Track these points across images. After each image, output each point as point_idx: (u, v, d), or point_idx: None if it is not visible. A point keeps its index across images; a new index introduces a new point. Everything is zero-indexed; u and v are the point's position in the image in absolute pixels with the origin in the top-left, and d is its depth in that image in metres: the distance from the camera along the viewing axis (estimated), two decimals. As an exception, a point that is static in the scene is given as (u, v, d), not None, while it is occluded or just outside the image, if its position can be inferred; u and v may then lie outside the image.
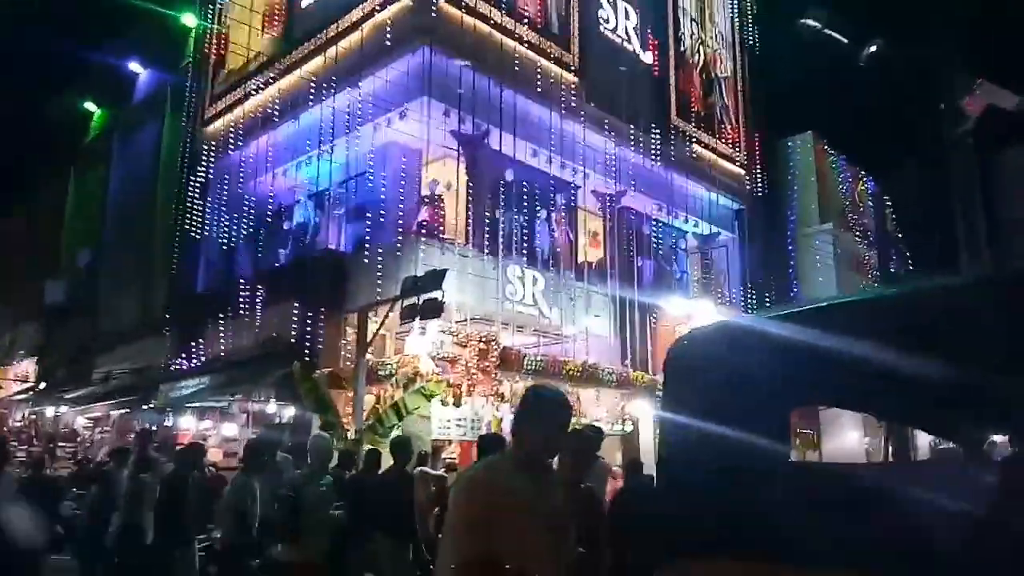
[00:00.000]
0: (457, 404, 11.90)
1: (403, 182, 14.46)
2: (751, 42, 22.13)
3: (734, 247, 21.26)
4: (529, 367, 12.76)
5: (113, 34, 25.26)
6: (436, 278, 10.04)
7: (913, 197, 23.27)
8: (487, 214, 14.97)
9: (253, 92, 16.60)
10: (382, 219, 14.05)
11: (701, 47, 20.05)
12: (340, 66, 14.72)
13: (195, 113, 18.99)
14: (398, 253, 12.54)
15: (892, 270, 19.14)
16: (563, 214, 16.78)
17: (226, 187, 17.85)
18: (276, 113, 16.09)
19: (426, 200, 14.11)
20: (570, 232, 16.87)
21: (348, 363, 12.47)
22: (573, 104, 15.87)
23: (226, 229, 17.88)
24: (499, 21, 14.52)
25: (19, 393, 23.93)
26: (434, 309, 10.03)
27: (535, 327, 14.62)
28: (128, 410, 17.16)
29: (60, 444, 20.17)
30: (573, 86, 16.13)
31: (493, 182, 15.31)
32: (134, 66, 23.96)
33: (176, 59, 21.64)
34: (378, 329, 11.17)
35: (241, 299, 15.55)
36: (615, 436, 15.68)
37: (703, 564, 2.42)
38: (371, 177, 14.95)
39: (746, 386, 2.43)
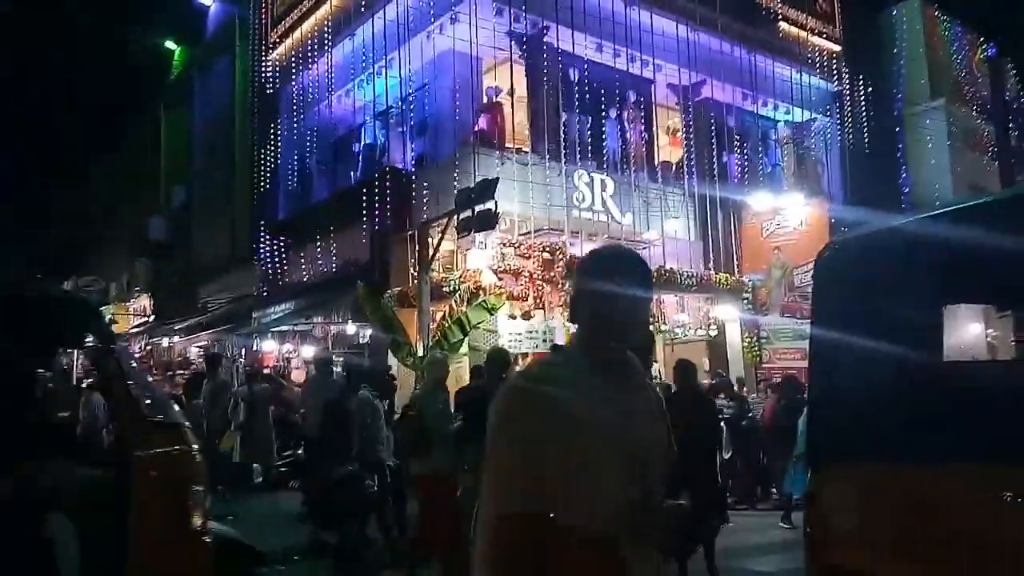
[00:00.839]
0: (526, 317, 11.63)
1: (462, 92, 13.88)
2: None
3: (833, 133, 19.51)
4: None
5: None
6: (487, 188, 9.60)
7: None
8: (551, 118, 14.24)
9: (308, 11, 16.20)
10: (441, 132, 13.62)
11: (785, -91, 17.94)
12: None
13: (259, 40, 18.88)
14: (456, 166, 12.10)
15: (1013, 144, 17.08)
16: (636, 112, 15.74)
17: (297, 113, 17.82)
18: (332, 31, 15.72)
19: (484, 108, 13.49)
20: (644, 131, 15.86)
21: (416, 282, 12.35)
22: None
23: (300, 156, 17.96)
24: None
25: (137, 327, 25.61)
26: (487, 220, 9.63)
27: (607, 234, 13.98)
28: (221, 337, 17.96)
29: (176, 372, 21.50)
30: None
31: (557, 83, 14.47)
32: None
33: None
34: (438, 245, 10.90)
35: (317, 224, 15.68)
36: (700, 341, 15.11)
37: (864, 467, 2.47)
38: (430, 90, 14.48)
39: (897, 289, 2.46)
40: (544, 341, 12.44)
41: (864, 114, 19.53)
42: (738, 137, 17.57)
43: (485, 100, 13.75)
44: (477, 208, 9.80)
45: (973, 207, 2.74)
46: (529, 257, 11.33)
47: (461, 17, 13.34)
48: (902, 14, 21.12)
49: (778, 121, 18.87)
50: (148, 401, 3.86)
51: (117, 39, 31.38)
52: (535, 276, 11.26)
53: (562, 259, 11.66)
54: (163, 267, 25.79)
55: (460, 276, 11.02)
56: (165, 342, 22.75)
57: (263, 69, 18.57)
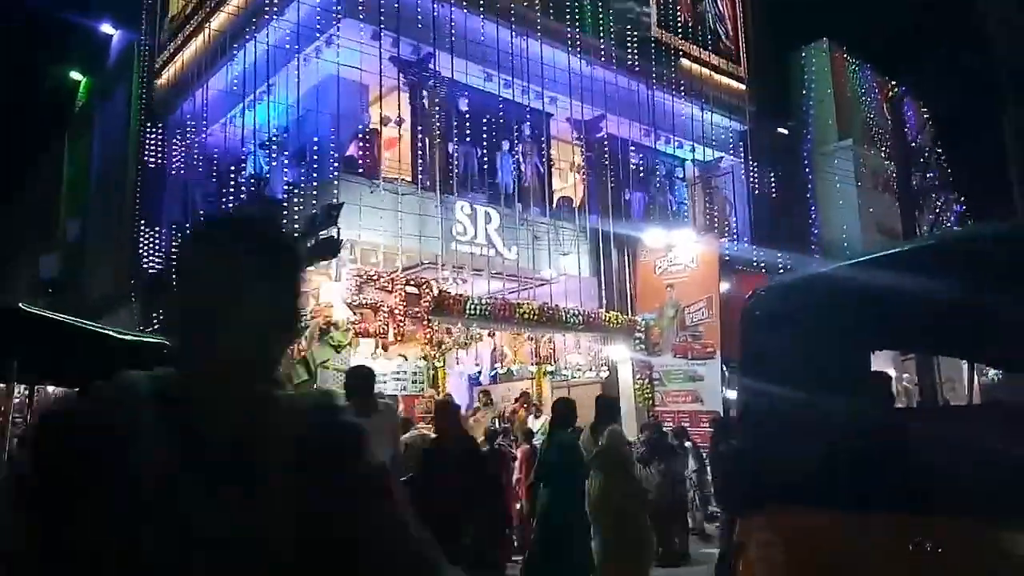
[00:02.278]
0: (385, 350, 10.74)
1: (345, 119, 13.18)
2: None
3: (740, 172, 19.34)
4: (472, 311, 11.48)
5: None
6: (329, 214, 8.80)
7: (953, 101, 20.91)
8: (436, 148, 13.62)
9: (190, 36, 15.44)
10: (319, 160, 12.85)
11: (688, -51, 17.96)
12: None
13: (146, 68, 18.03)
14: (314, 195, 11.32)
15: (916, 185, 17.00)
16: (531, 145, 15.22)
17: (183, 143, 16.92)
18: (211, 58, 14.96)
19: (359, 135, 12.79)
20: (540, 164, 15.34)
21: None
22: (529, 18, 14.23)
23: (185, 188, 17.02)
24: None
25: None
26: (329, 248, 8.83)
27: (495, 269, 13.29)
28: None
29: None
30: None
31: (443, 112, 13.91)
32: (106, 28, 23.15)
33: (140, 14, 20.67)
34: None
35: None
36: (593, 384, 14.39)
37: (790, 513, 2.53)
38: (312, 117, 13.73)
39: (823, 335, 2.56)
40: (414, 383, 11.58)
41: (772, 154, 19.43)
42: (642, 174, 17.23)
43: (364, 127, 13.03)
44: (321, 235, 8.99)
45: (894, 255, 2.83)
46: (391, 291, 10.51)
47: (337, 40, 12.70)
48: (810, 55, 21.31)
49: (685, 160, 18.62)
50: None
51: (23, 70, 30.12)
52: (396, 311, 10.43)
53: (429, 293, 10.86)
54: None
55: (311, 312, 10.13)
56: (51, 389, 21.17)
57: (150, 98, 17.67)
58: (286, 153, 14.05)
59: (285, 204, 12.53)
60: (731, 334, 14.29)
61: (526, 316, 12.22)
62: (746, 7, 19.24)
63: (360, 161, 12.27)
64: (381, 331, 10.26)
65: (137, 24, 19.73)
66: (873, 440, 2.46)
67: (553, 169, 16.40)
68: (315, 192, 11.41)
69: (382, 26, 12.36)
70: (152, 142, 17.70)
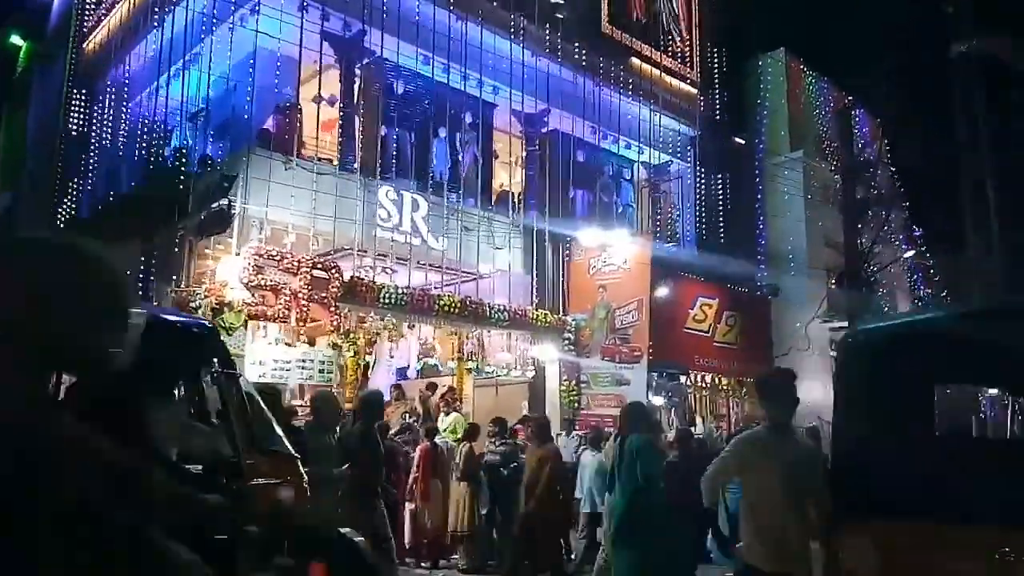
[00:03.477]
0: (290, 341, 10.20)
1: (270, 94, 12.59)
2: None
3: (689, 177, 19.05)
4: (387, 300, 10.96)
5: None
6: (221, 185, 8.23)
7: (904, 110, 20.89)
8: (365, 130, 13.10)
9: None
10: (237, 135, 12.21)
11: (644, -54, 17.64)
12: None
13: (76, 33, 17.21)
14: (221, 169, 10.67)
15: (859, 197, 16.89)
16: (469, 134, 14.74)
17: (110, 113, 16.15)
18: (137, 23, 14.25)
19: (278, 110, 12.20)
20: (478, 154, 14.86)
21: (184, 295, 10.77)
22: (472, 2, 13.76)
23: (110, 159, 16.23)
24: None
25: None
26: (219, 221, 8.26)
27: (422, 259, 12.79)
28: None
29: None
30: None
31: (378, 94, 13.38)
32: (46, -10, 22.23)
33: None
34: (184, 252, 9.41)
35: (102, 232, 13.90)
36: (521, 383, 13.96)
37: (887, 526, 2.96)
38: (238, 90, 13.08)
39: (919, 372, 3.18)
40: (321, 372, 11.01)
41: (722, 161, 19.17)
42: (587, 173, 16.83)
43: (284, 102, 12.44)
44: (212, 208, 8.40)
45: (984, 312, 3.67)
46: (296, 272, 9.94)
47: (263, 10, 12.09)
48: (766, 64, 21.13)
49: (633, 161, 18.27)
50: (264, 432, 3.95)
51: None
52: (300, 294, 9.86)
53: (337, 278, 10.31)
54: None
55: (205, 291, 9.52)
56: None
57: (77, 64, 16.87)
58: (209, 127, 13.37)
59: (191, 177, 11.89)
60: (662, 338, 13.99)
61: (447, 309, 11.74)
62: (702, 10, 18.96)
63: (275, 136, 11.65)
64: (281, 315, 9.68)
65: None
66: (960, 462, 2.90)
67: (495, 161, 15.96)
68: (221, 167, 10.76)
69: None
70: (78, 111, 16.90)
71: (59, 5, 22.02)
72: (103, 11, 15.87)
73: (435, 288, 12.77)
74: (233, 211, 8.46)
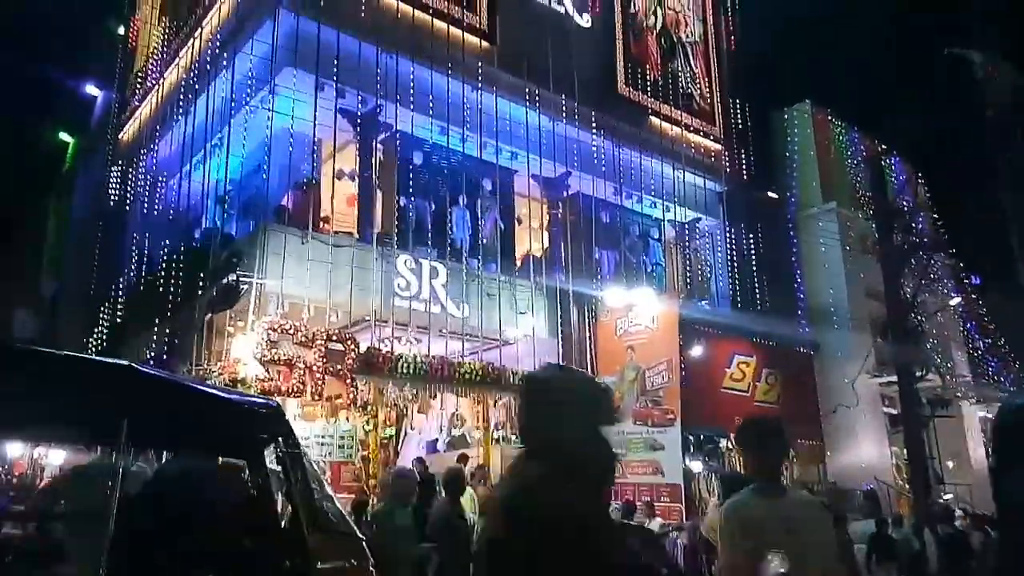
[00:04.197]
0: (309, 417, 9.99)
1: (293, 172, 12.77)
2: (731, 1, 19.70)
3: (720, 234, 18.70)
4: (405, 370, 10.73)
5: (75, 59, 24.91)
6: (229, 261, 8.22)
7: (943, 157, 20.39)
8: (385, 202, 13.20)
9: (148, 91, 15.30)
10: (260, 213, 12.38)
11: (658, 8, 17.80)
12: (212, 48, 13.23)
13: (114, 125, 17.94)
14: (235, 247, 10.75)
15: (897, 245, 16.23)
16: (491, 200, 14.72)
17: (142, 199, 16.62)
18: (166, 111, 14.76)
19: (297, 187, 12.34)
20: (500, 220, 14.80)
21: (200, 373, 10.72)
22: (485, 73, 13.92)
23: (143, 244, 16.60)
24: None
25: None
26: (226, 297, 8.20)
27: (444, 327, 12.58)
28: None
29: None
30: (484, 52, 14.19)
31: (400, 166, 13.51)
32: (91, 89, 23.40)
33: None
34: (201, 331, 9.38)
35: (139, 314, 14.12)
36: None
37: None
38: (262, 170, 13.35)
39: None
40: (341, 448, 10.76)
41: (753, 216, 18.79)
42: (613, 233, 16.63)
43: (302, 178, 12.59)
44: (221, 284, 8.38)
45: None
46: (311, 345, 9.81)
47: (281, 91, 12.38)
48: (792, 116, 20.90)
49: (660, 220, 18.01)
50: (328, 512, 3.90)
51: (19, 132, 30.55)
52: (315, 368, 9.70)
53: (354, 350, 10.15)
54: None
55: (220, 368, 9.44)
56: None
57: (114, 154, 17.52)
58: (233, 207, 13.63)
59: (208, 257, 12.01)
60: (697, 399, 13.42)
61: (467, 377, 11.44)
62: (721, 67, 18.96)
63: (293, 212, 11.74)
64: (296, 389, 9.51)
65: (112, 83, 19.84)
66: None
67: (518, 226, 15.89)
68: (241, 245, 10.83)
69: (317, 74, 11.97)
70: (114, 199, 17.45)
71: (102, 100, 23.16)
72: (136, 102, 16.49)
73: (462, 357, 12.54)
74: (242, 287, 8.40)
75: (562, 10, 15.78)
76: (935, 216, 22.98)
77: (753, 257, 18.39)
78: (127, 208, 17.12)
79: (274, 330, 9.54)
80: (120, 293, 16.89)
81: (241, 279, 8.85)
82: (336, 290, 11.22)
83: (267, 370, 9.42)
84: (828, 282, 19.23)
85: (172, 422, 4.00)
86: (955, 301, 19.03)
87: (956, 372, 20.93)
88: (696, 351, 13.78)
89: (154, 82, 15.33)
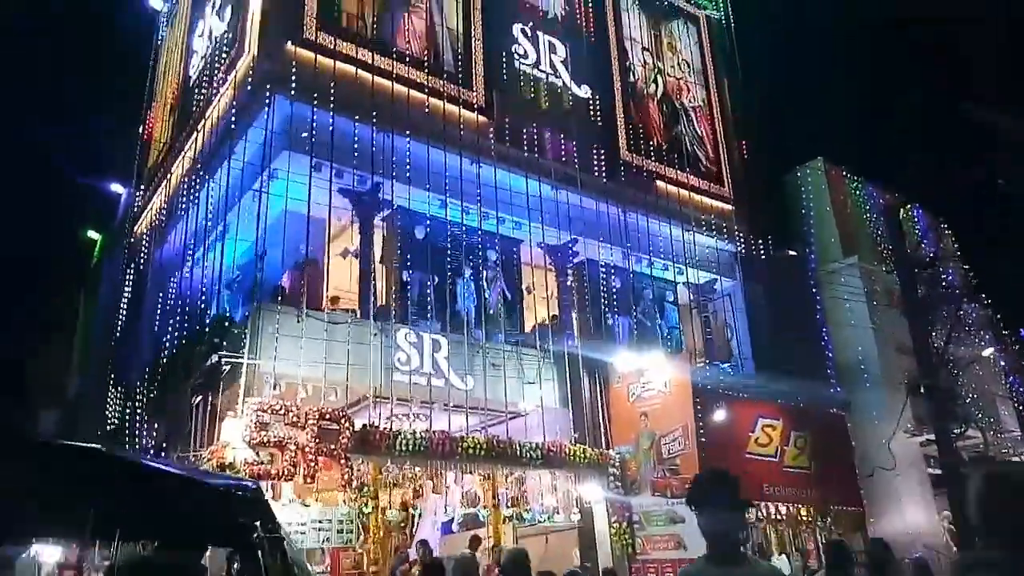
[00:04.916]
0: (277, 499, 9.56)
1: (295, 254, 12.81)
2: (733, 66, 19.82)
3: (738, 295, 18.26)
4: (403, 448, 10.36)
5: (100, 159, 25.95)
6: (212, 342, 8.09)
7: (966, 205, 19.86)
8: (388, 278, 13.12)
9: (159, 184, 15.68)
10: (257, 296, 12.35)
11: (659, 76, 17.95)
12: (214, 138, 13.56)
13: (130, 219, 18.40)
14: (233, 329, 10.65)
15: (922, 296, 15.60)
16: (496, 271, 14.58)
17: (157, 288, 16.82)
18: (177, 202, 15.07)
19: (299, 266, 12.32)
20: (507, 291, 14.60)
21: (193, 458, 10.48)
22: (483, 147, 14.00)
23: (155, 332, 16.70)
24: (371, 63, 13.01)
25: None
26: (209, 378, 8.02)
27: (447, 400, 12.23)
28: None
29: None
30: (482, 127, 14.31)
31: (401, 241, 13.50)
32: (116, 187, 24.18)
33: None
34: (189, 413, 9.20)
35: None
36: (571, 529, 12.83)
37: None
38: (271, 252, 13.42)
39: None
40: (340, 532, 10.32)
41: (772, 275, 18.33)
42: (626, 299, 16.29)
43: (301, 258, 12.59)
44: (204, 365, 8.23)
45: None
46: (303, 426, 9.54)
47: (280, 175, 12.54)
48: (805, 174, 20.67)
49: (675, 283, 17.65)
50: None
51: (53, 232, 31.72)
52: (307, 449, 9.40)
53: (348, 428, 9.84)
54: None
55: (209, 452, 9.19)
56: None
57: (129, 248, 17.87)
58: (240, 291, 13.65)
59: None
60: (721, 466, 12.73)
61: (471, 451, 11.01)
62: (727, 129, 18.91)
63: (290, 291, 11.68)
64: (286, 472, 9.19)
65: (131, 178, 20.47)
66: None
67: (528, 296, 15.67)
68: (217, 326, 10.75)
69: (312, 154, 12.12)
70: (129, 289, 17.70)
71: (125, 197, 23.87)
72: (149, 195, 16.91)
73: (472, 432, 12.17)
74: (224, 367, 8.24)
75: (560, 83, 15.95)
76: (965, 266, 22.28)
77: (774, 317, 17.85)
78: (140, 300, 17.31)
79: (264, 411, 9.31)
80: (124, 384, 16.93)
81: (224, 359, 8.70)
82: (334, 369, 11.01)
83: (257, 453, 9.14)
84: (856, 339, 18.53)
85: (143, 508, 3.89)
86: (988, 352, 18.11)
87: (1003, 428, 19.78)
88: (716, 415, 13.18)
89: (163, 175, 15.71)
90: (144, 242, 17.37)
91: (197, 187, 14.23)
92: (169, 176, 15.25)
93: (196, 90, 14.86)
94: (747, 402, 14.45)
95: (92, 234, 28.12)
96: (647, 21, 18.35)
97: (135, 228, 17.89)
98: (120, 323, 18.09)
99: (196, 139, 13.85)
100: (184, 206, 14.79)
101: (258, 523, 3.83)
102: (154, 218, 16.34)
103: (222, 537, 4.01)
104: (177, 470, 4.33)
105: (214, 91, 13.47)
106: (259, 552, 3.72)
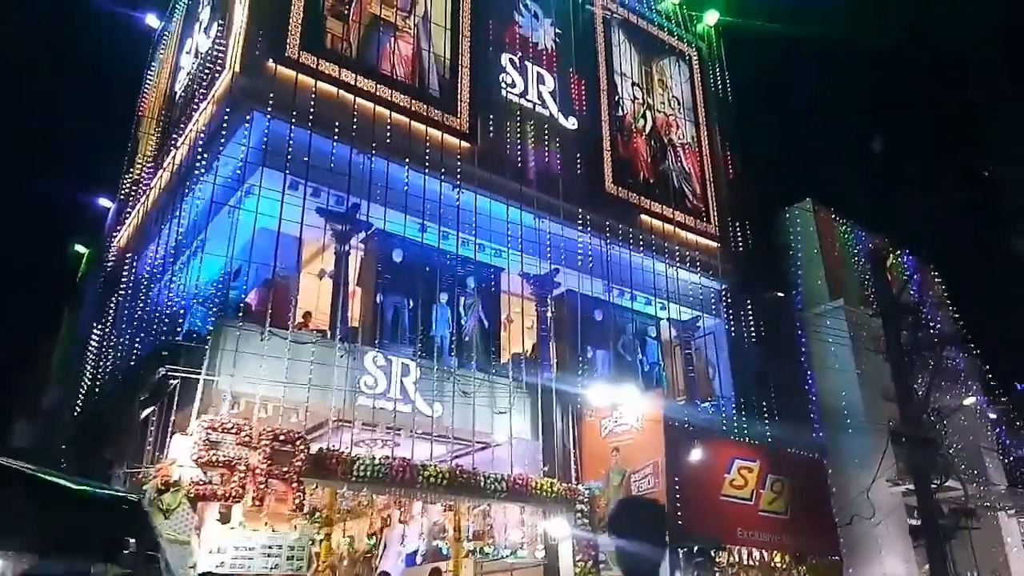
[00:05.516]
0: (226, 521, 9.23)
1: (269, 272, 12.62)
2: (724, 105, 19.86)
3: (721, 333, 18.03)
4: (361, 473, 10.05)
5: (88, 173, 25.95)
6: (159, 355, 7.87)
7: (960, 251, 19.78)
8: (363, 300, 12.95)
9: (133, 196, 15.59)
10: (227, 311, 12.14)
11: (648, 112, 17.96)
12: (196, 151, 13.46)
13: (107, 233, 18.29)
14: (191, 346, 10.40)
15: (905, 341, 15.38)
16: (474, 298, 14.38)
17: (135, 303, 16.62)
18: (156, 217, 14.95)
19: (267, 284, 12.12)
20: (483, 318, 14.38)
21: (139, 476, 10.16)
22: (465, 172, 13.92)
23: (128, 349, 16.46)
24: (353, 83, 12.97)
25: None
26: (155, 393, 7.79)
27: (415, 427, 11.94)
28: None
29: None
30: (464, 152, 14.24)
31: (378, 264, 13.33)
32: (104, 201, 24.11)
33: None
34: (141, 432, 8.93)
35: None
36: (536, 566, 12.45)
37: None
38: (244, 271, 13.25)
39: None
40: (290, 559, 9.95)
41: (756, 315, 18.12)
42: (607, 332, 16.07)
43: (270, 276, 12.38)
44: (153, 379, 8.01)
45: None
46: (255, 446, 9.26)
47: (255, 190, 12.40)
48: (794, 215, 20.59)
49: (658, 318, 17.43)
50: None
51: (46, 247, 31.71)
52: (258, 470, 9.11)
53: (303, 449, 9.56)
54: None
55: (155, 470, 8.89)
56: None
57: (108, 262, 17.72)
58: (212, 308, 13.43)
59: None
60: (693, 507, 12.42)
61: (432, 480, 10.69)
62: (716, 167, 18.86)
63: (256, 309, 11.48)
64: (235, 493, 8.89)
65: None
66: None
67: (510, 325, 15.46)
68: (196, 343, 10.51)
69: (287, 172, 11.99)
70: (107, 305, 17.47)
71: (113, 212, 23.79)
72: (128, 210, 16.80)
73: (440, 461, 11.89)
74: (171, 382, 8.00)
75: (547, 113, 15.93)
76: (955, 314, 22.11)
77: (758, 357, 17.61)
78: (116, 314, 17.09)
79: (214, 429, 9.04)
80: (83, 398, 16.64)
81: (171, 374, 8.47)
82: (297, 389, 10.76)
83: (204, 472, 8.85)
84: (840, 383, 18.25)
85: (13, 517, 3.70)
86: (969, 401, 17.81)
87: (988, 480, 19.41)
88: (691, 454, 12.87)
89: (144, 189, 15.63)
90: (124, 256, 17.21)
91: (173, 202, 14.10)
92: (148, 191, 15.14)
93: (180, 106, 14.84)
94: (723, 442, 14.17)
95: (80, 248, 28.05)
96: (638, 57, 18.42)
97: (114, 242, 17.73)
98: (95, 337, 17.83)
99: (174, 154, 13.76)
100: (160, 221, 14.67)
101: (134, 539, 3.66)
102: (132, 233, 16.20)
103: (97, 550, 3.81)
104: (58, 479, 4.11)
105: (194, 107, 13.42)
106: (132, 568, 3.52)
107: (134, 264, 16.10)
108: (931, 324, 18.94)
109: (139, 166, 16.76)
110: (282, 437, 9.50)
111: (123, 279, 15.93)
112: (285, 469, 9.36)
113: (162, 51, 18.29)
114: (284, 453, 9.46)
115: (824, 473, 15.93)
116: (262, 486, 9.09)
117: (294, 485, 9.37)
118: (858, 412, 17.77)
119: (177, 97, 15.59)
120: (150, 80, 18.81)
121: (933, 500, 13.73)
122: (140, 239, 15.86)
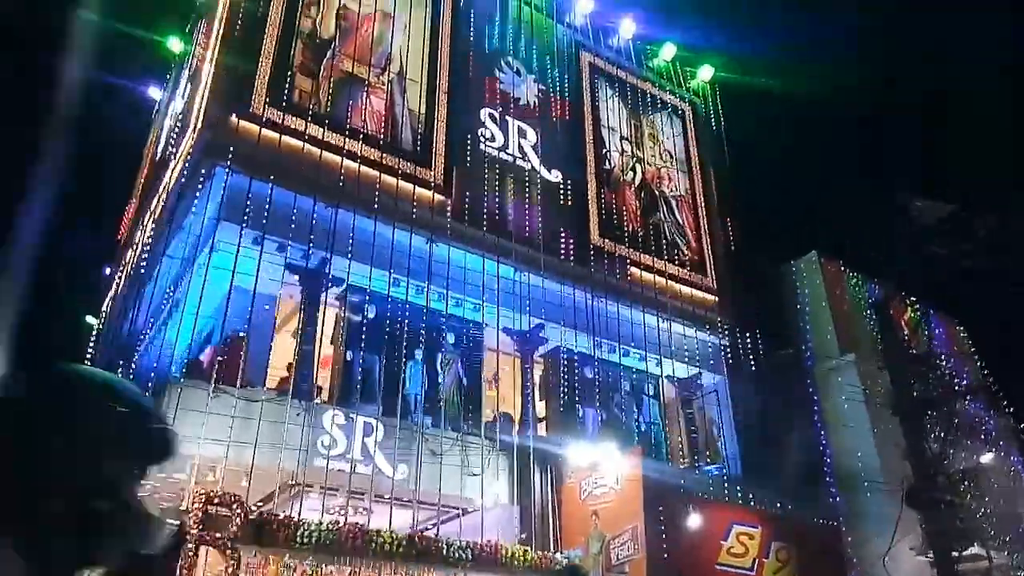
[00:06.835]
0: None
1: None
2: (720, 157, 19.45)
3: (724, 390, 17.13)
4: (306, 540, 9.36)
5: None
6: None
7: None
8: (334, 357, 12.50)
9: (115, 262, 15.54)
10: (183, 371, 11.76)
11: (637, 165, 17.59)
12: (168, 209, 13.40)
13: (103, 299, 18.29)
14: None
15: (918, 396, 14.34)
16: (453, 354, 13.82)
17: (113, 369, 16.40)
18: (142, 273, 14.84)
19: (224, 341, 11.73)
20: (462, 375, 13.78)
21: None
22: (438, 224, 13.58)
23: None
24: (320, 137, 12.84)
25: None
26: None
27: (380, 492, 11.25)
28: None
29: None
30: (438, 205, 13.93)
31: (348, 320, 12.92)
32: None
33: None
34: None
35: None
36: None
37: None
38: (216, 330, 12.93)
39: None
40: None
41: (762, 372, 17.21)
42: (599, 390, 15.31)
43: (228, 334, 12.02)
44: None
45: None
46: (186, 510, 8.68)
47: (224, 247, 12.15)
48: (800, 268, 19.80)
49: (655, 374, 16.62)
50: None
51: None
52: (188, 536, 8.49)
53: (239, 515, 8.93)
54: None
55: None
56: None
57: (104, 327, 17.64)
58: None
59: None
60: (683, 577, 11.39)
61: (387, 548, 9.92)
62: (711, 219, 18.31)
63: (207, 366, 11.06)
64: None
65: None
66: None
67: (494, 382, 14.85)
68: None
69: (243, 225, 11.75)
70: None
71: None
72: (113, 273, 16.79)
73: (425, 529, 11.21)
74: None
75: (528, 166, 15.65)
76: (983, 369, 20.82)
77: (765, 416, 16.61)
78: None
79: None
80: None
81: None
82: (246, 450, 10.22)
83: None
84: (856, 443, 17.08)
85: None
86: (987, 458, 16.43)
87: (1025, 547, 17.78)
88: (678, 518, 11.91)
89: (124, 253, 15.61)
90: (112, 320, 17.13)
91: (144, 263, 13.98)
92: (129, 255, 15.10)
93: (158, 168, 14.90)
94: (719, 505, 13.17)
95: (90, 319, 28.31)
96: (627, 111, 18.19)
97: (102, 307, 17.70)
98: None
99: (147, 216, 13.72)
100: (136, 283, 14.54)
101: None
102: (115, 298, 16.12)
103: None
104: None
105: (163, 167, 13.42)
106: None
107: (118, 329, 15.96)
108: (953, 377, 17.78)
109: (122, 231, 16.83)
110: (217, 500, 8.90)
111: (102, 344, 15.78)
112: (219, 535, 8.72)
113: (154, 120, 18.66)
114: (221, 517, 8.84)
115: (839, 539, 14.69)
116: (191, 554, 8.45)
117: (228, 552, 8.71)
118: (875, 473, 16.53)
119: (157, 158, 15.72)
120: (146, 149, 19.13)
121: (955, 569, 12.46)
122: (120, 303, 15.74)
